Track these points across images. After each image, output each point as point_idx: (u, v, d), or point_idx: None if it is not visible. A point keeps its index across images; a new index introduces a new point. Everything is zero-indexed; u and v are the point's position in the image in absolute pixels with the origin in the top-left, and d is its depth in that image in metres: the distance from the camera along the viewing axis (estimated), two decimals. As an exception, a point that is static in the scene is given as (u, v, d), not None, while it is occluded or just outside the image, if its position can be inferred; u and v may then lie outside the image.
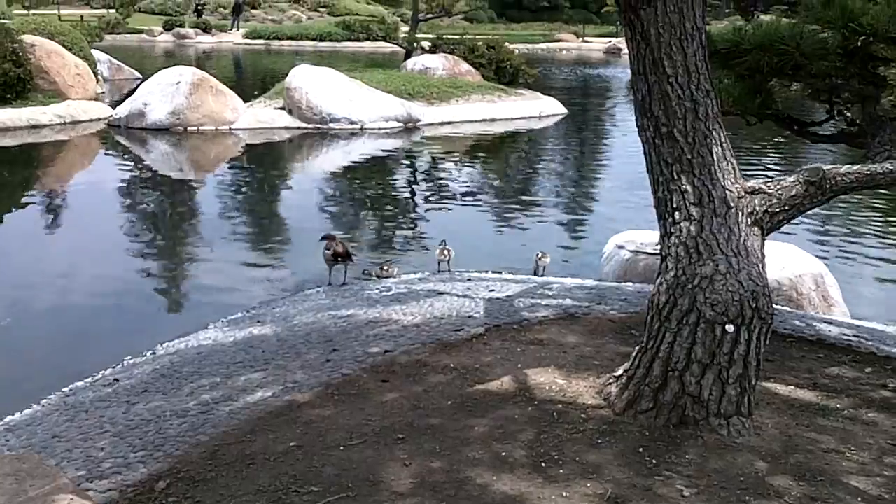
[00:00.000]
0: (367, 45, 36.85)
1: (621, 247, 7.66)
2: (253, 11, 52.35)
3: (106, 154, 15.31)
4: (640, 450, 3.54)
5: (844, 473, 3.43)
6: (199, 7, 49.39)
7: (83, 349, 6.45)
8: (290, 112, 17.29)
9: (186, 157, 14.99)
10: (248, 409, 4.13)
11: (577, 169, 15.49)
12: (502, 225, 10.75)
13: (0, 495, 3.10)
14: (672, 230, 3.86)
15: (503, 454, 3.51)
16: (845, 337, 5.37)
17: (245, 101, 17.66)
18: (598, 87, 30.75)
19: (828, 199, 4.30)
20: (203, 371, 4.91)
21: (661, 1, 3.81)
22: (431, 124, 18.23)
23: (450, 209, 11.39)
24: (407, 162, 15.44)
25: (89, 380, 5.32)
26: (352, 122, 17.14)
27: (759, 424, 3.80)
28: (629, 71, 4.14)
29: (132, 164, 14.05)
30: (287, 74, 17.86)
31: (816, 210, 5.52)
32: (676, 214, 3.86)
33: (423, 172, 14.49)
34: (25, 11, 40.05)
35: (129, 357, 5.79)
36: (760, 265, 3.80)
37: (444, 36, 26.16)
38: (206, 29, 45.87)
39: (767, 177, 5.43)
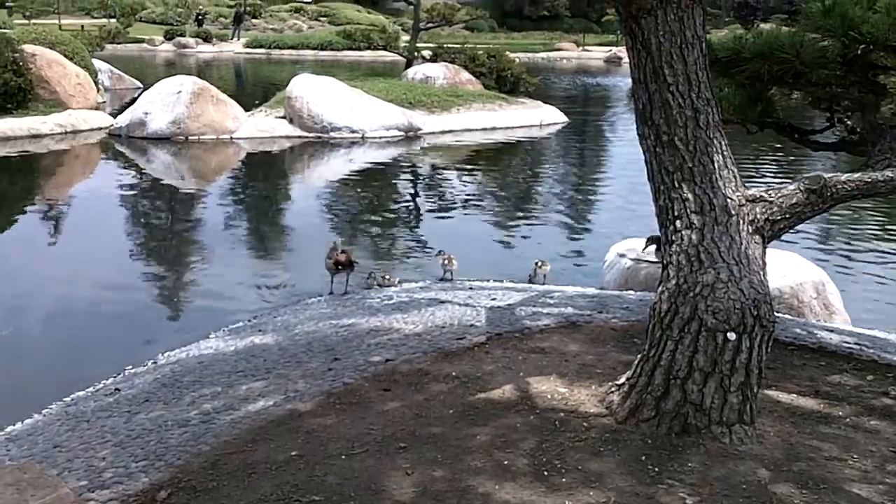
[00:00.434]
0: (368, 55, 36.84)
1: (623, 255, 7.65)
2: (254, 21, 52.45)
3: (107, 163, 15.32)
4: (643, 458, 3.53)
5: (847, 481, 3.43)
6: (199, 17, 49.51)
7: (84, 359, 6.44)
8: (290, 121, 17.31)
9: (187, 167, 15.00)
10: (249, 419, 4.13)
11: (577, 177, 15.50)
12: (503, 233, 10.75)
13: (2, 505, 3.10)
14: (673, 238, 3.86)
15: (505, 463, 3.50)
16: (847, 345, 5.37)
17: (246, 110, 17.69)
18: (599, 96, 30.79)
19: (829, 208, 4.31)
20: (204, 380, 4.91)
21: (661, 10, 3.83)
22: (432, 133, 18.24)
23: (451, 218, 11.40)
24: (408, 171, 15.45)
25: (90, 389, 5.32)
26: (353, 131, 17.16)
27: (762, 432, 3.79)
28: (630, 79, 4.15)
29: (133, 173, 14.06)
30: (288, 84, 17.89)
31: (817, 218, 5.52)
32: (678, 223, 3.86)
33: (424, 181, 14.50)
34: (26, 21, 40.13)
35: (130, 366, 5.79)
36: (762, 273, 3.80)
37: (445, 45, 26.16)
38: (206, 38, 45.97)
39: (768, 185, 5.42)
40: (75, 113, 17.54)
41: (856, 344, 5.42)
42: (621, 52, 41.64)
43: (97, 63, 23.06)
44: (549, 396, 4.18)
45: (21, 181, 13.63)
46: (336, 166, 15.52)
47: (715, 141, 3.90)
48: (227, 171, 14.86)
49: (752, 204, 3.97)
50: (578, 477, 3.38)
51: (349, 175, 14.47)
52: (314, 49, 43.80)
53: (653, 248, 6.83)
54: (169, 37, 45.17)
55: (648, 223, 4.89)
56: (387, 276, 7.67)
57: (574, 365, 4.67)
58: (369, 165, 15.39)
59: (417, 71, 22.79)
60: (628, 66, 4.13)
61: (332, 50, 42.48)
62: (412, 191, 13.74)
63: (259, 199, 12.71)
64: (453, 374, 4.57)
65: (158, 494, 3.39)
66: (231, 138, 16.44)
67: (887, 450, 3.73)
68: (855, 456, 3.65)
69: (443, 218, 11.40)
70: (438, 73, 22.10)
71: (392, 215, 11.66)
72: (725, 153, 3.94)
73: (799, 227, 4.73)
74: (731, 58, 5.24)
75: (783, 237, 4.33)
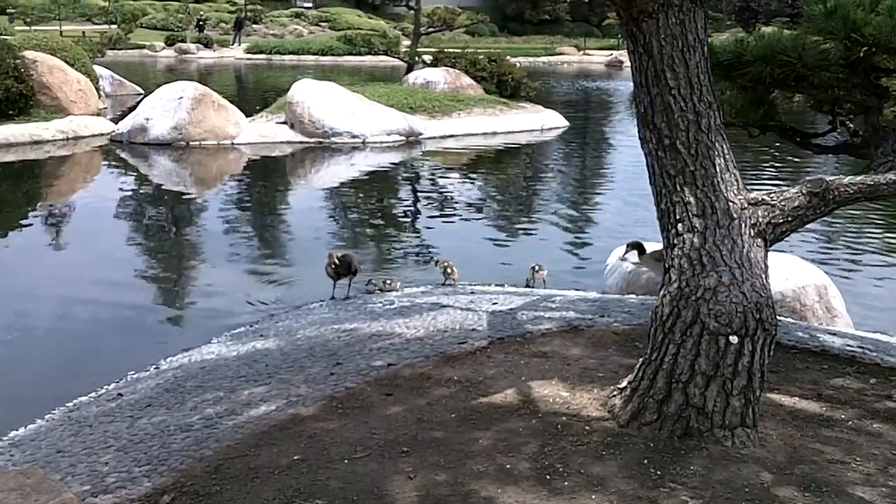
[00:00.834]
0: (369, 60, 36.91)
1: (624, 259, 7.65)
2: (254, 26, 52.58)
3: (108, 169, 15.33)
4: (645, 462, 3.53)
5: (849, 484, 3.42)
6: (200, 22, 49.58)
7: (86, 364, 6.45)
8: (291, 126, 17.33)
9: (189, 172, 15.01)
10: (251, 423, 4.13)
11: (579, 181, 15.51)
12: (505, 238, 10.76)
13: (4, 510, 3.09)
14: (675, 242, 3.86)
15: (508, 467, 3.50)
16: (849, 348, 5.36)
17: (247, 115, 17.71)
18: (600, 100, 30.80)
19: (831, 211, 4.31)
20: (207, 385, 4.91)
21: (662, 13, 3.83)
22: (433, 138, 18.25)
23: (452, 222, 11.40)
24: (409, 176, 15.46)
25: (93, 394, 5.33)
26: (354, 136, 17.17)
27: (764, 436, 3.79)
28: (631, 83, 4.15)
29: (134, 179, 14.08)
30: (289, 89, 17.91)
31: (819, 221, 5.52)
32: (679, 226, 3.86)
33: (425, 186, 14.51)
34: (27, 27, 40.20)
35: (132, 372, 5.79)
36: (764, 276, 3.80)
37: (446, 49, 26.16)
38: (207, 44, 46.04)
39: (770, 188, 5.43)
40: (77, 119, 17.57)
41: (858, 347, 5.41)
42: (622, 55, 41.71)
43: (98, 69, 23.09)
44: (551, 400, 4.18)
45: (22, 187, 13.64)
46: (337, 171, 15.53)
47: (717, 144, 3.90)
48: (229, 176, 14.87)
49: (754, 207, 3.97)
50: (580, 481, 3.38)
51: (350, 180, 14.48)
52: (315, 54, 43.86)
53: (634, 253, 6.89)
54: (170, 42, 45.24)
55: (650, 227, 4.89)
56: (388, 281, 7.67)
57: (576, 369, 4.67)
58: (370, 171, 15.40)
59: (418, 76, 22.80)
60: (629, 69, 4.13)
61: (332, 55, 42.57)
62: (413, 196, 13.75)
63: (260, 204, 12.71)
64: (455, 378, 4.57)
65: (161, 499, 3.39)
66: (232, 144, 16.45)
67: (890, 453, 3.73)
68: (858, 459, 3.65)
69: (444, 223, 11.40)
70: (439, 77, 22.12)
71: (393, 220, 11.67)
72: (727, 156, 3.94)
73: (801, 230, 4.73)
74: (733, 61, 5.25)
75: (785, 240, 4.33)
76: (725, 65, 5.28)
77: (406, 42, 32.75)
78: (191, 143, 16.05)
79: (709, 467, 3.49)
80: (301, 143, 16.96)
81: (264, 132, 17.22)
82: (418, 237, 10.76)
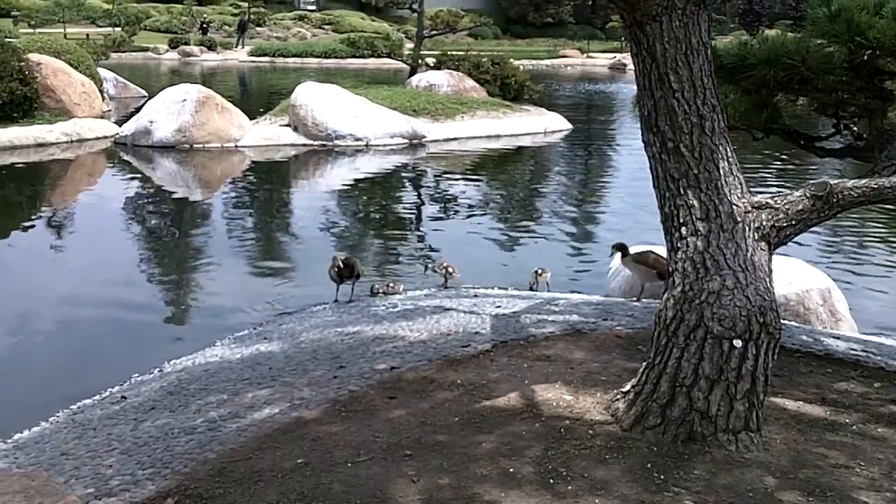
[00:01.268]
0: (372, 62, 36.87)
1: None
2: (258, 29, 52.58)
3: (112, 172, 15.34)
4: (648, 465, 3.53)
5: (854, 489, 3.42)
6: (204, 25, 49.62)
7: (90, 366, 6.45)
8: (295, 129, 17.34)
9: (192, 175, 15.03)
10: (255, 426, 4.13)
11: (582, 184, 15.50)
12: (508, 241, 10.75)
13: (8, 513, 3.10)
14: (679, 245, 3.86)
15: (511, 470, 3.50)
16: (853, 352, 5.35)
17: (250, 118, 17.72)
18: (603, 103, 30.79)
19: (835, 214, 4.30)
20: (210, 388, 4.92)
21: (666, 16, 3.83)
22: (436, 141, 18.25)
23: (456, 225, 11.40)
24: (412, 178, 15.46)
25: (97, 397, 5.34)
26: (357, 139, 17.18)
27: (768, 440, 3.78)
28: (634, 86, 4.15)
29: (138, 181, 14.08)
30: (292, 91, 17.93)
31: (823, 225, 5.51)
32: (683, 230, 3.86)
33: (428, 189, 14.50)
34: (31, 30, 40.25)
35: (136, 374, 5.80)
36: (768, 280, 3.79)
37: (449, 52, 26.16)
38: (211, 47, 46.07)
39: (774, 191, 5.42)
40: (80, 121, 17.57)
41: (863, 351, 5.40)
42: (626, 58, 41.72)
43: (102, 72, 23.12)
44: (554, 404, 4.18)
45: (27, 190, 13.66)
46: (341, 174, 15.53)
47: (720, 147, 3.90)
48: (232, 179, 14.88)
49: (757, 210, 3.97)
50: (584, 484, 3.37)
51: (354, 183, 14.49)
52: (318, 57, 43.88)
53: (618, 255, 6.92)
54: (173, 45, 45.28)
55: (653, 230, 4.88)
56: (391, 285, 7.67)
57: (579, 372, 4.67)
58: (374, 173, 15.40)
59: (421, 78, 22.81)
60: (633, 72, 4.13)
61: (336, 58, 42.55)
62: (417, 198, 13.74)
63: (264, 207, 12.72)
64: (458, 381, 4.57)
65: (165, 502, 3.39)
66: (236, 146, 16.46)
67: (894, 457, 3.72)
68: (862, 463, 3.64)
69: (448, 225, 11.40)
70: (442, 80, 22.12)
71: (397, 223, 11.66)
72: (731, 160, 3.93)
73: (805, 234, 4.72)
74: (737, 64, 5.25)
75: (789, 244, 4.32)
76: (729, 68, 5.28)
77: (409, 45, 32.76)
78: (194, 145, 16.06)
79: (712, 471, 3.49)
80: (304, 145, 16.96)
81: (268, 135, 17.24)
82: (421, 240, 10.76)
